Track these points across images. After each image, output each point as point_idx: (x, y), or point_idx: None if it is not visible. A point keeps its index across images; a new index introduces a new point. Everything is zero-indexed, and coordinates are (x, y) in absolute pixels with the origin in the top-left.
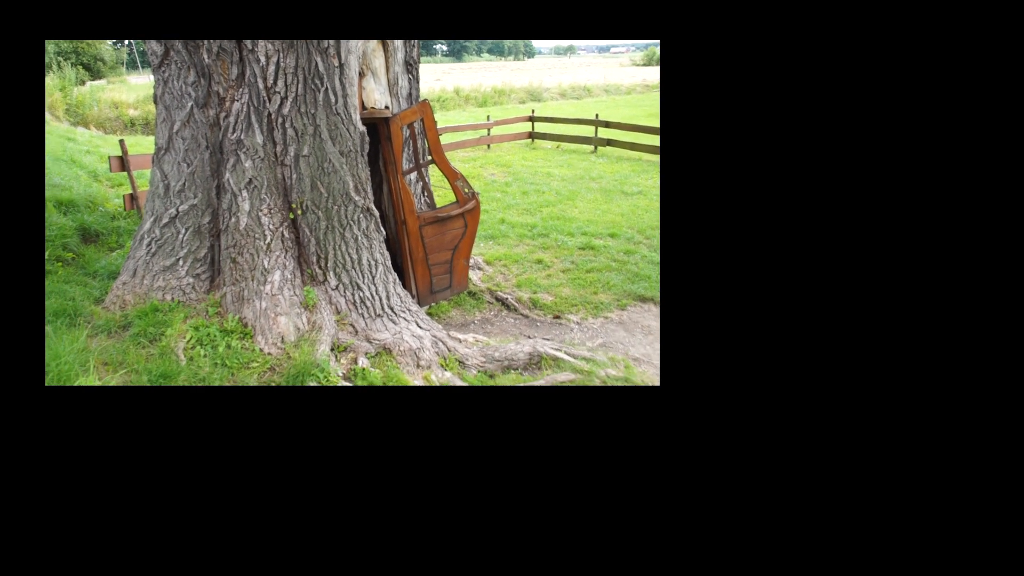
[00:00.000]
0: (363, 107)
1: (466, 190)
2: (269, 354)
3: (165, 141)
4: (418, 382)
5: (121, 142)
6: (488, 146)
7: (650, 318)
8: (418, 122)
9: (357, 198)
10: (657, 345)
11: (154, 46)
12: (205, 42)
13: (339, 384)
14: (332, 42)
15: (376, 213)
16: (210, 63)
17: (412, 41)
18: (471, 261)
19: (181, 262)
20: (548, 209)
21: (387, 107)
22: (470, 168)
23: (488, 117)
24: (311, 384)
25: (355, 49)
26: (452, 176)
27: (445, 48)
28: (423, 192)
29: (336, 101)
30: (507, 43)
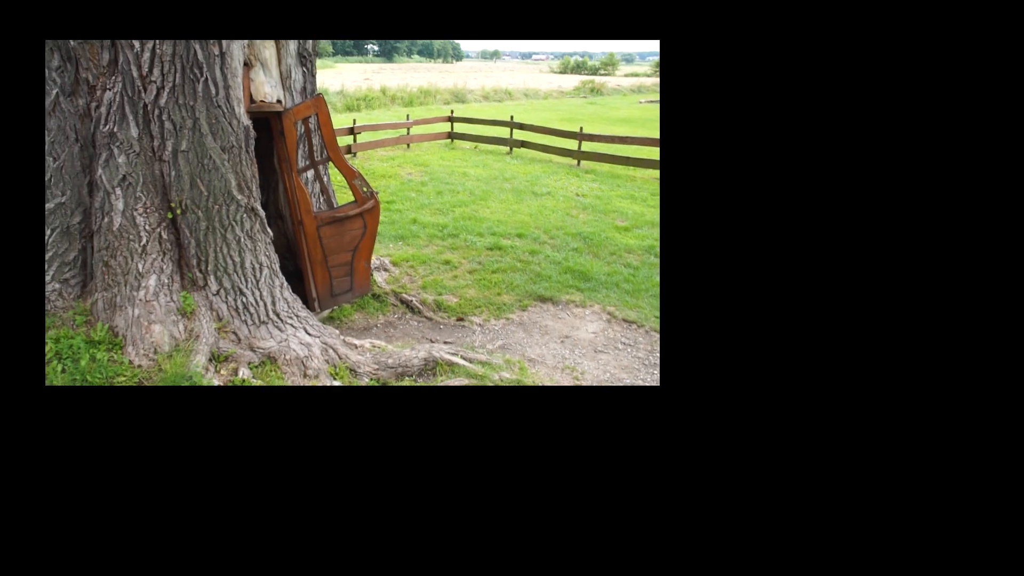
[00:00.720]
0: (251, 100)
1: (364, 189)
2: (139, 366)
3: None
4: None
5: None
6: (408, 145)
7: (548, 318)
8: (313, 118)
9: (240, 197)
10: (553, 346)
11: None
12: None
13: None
14: None
15: (261, 213)
16: (76, 46)
17: None
18: (377, 262)
19: (47, 266)
20: (461, 209)
21: (279, 101)
22: (387, 167)
23: (408, 116)
24: None
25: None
26: (350, 175)
27: (376, 48)
28: (321, 192)
29: (217, 93)
30: (436, 45)
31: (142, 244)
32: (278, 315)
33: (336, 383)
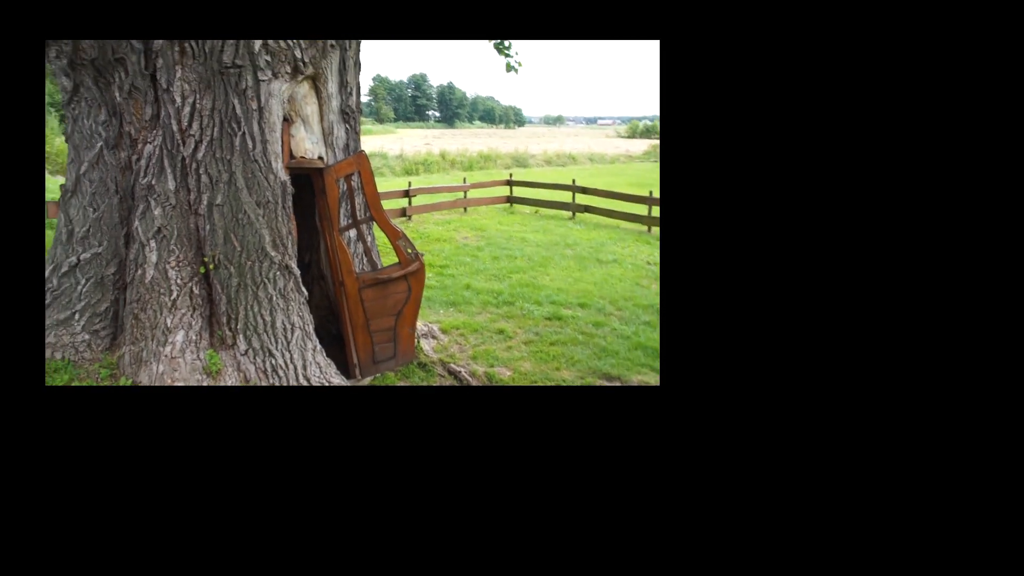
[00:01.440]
0: (291, 156)
1: (409, 250)
2: None
3: (72, 184)
4: None
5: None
6: (464, 209)
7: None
8: (356, 176)
9: (274, 254)
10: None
11: (64, 81)
12: (116, 78)
13: None
14: (250, 83)
15: (296, 272)
16: (122, 101)
17: (349, 88)
18: (425, 329)
19: (78, 316)
20: (518, 276)
21: (320, 158)
22: (442, 231)
23: (465, 180)
24: None
25: (277, 92)
26: (393, 235)
27: (438, 115)
28: (365, 253)
29: (253, 147)
30: (498, 111)
31: (172, 298)
32: (308, 380)
33: None
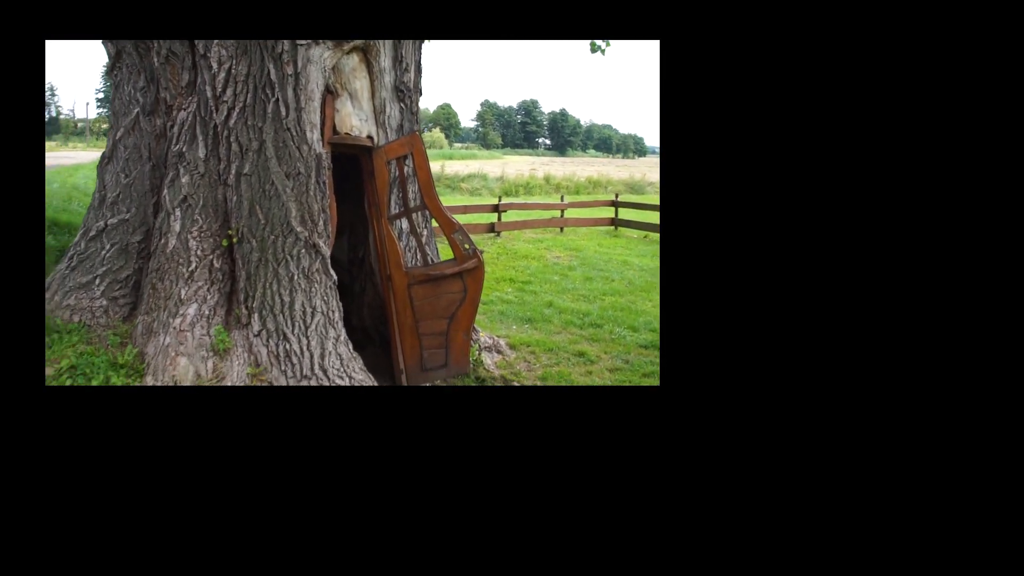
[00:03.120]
0: (335, 132)
1: (466, 246)
2: None
3: (109, 149)
4: None
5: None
6: (561, 229)
7: None
8: (410, 160)
9: (300, 229)
10: None
11: (107, 47)
12: (155, 43)
13: None
14: (287, 47)
15: (325, 253)
16: (159, 67)
17: (405, 64)
18: (489, 341)
19: (98, 281)
20: (612, 299)
21: (370, 137)
22: (532, 248)
23: (563, 197)
24: None
25: (316, 59)
26: (449, 227)
27: (548, 142)
28: (418, 248)
29: (287, 114)
30: (615, 140)
31: (190, 269)
32: (325, 371)
33: None
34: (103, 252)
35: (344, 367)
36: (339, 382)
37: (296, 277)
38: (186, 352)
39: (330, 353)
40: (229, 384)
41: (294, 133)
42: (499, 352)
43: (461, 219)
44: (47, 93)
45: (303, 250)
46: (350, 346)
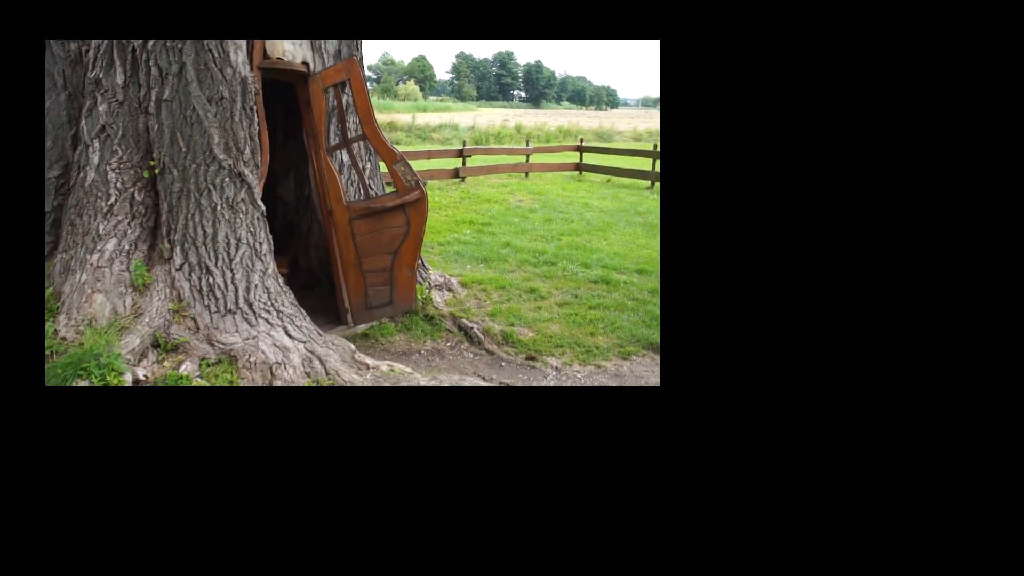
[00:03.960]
0: (265, 56)
1: (408, 178)
2: (62, 339)
3: None
4: None
5: None
6: (526, 175)
7: (655, 376)
8: (349, 88)
9: (223, 157)
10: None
11: None
12: None
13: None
14: None
15: (252, 182)
16: None
17: None
18: (440, 279)
19: None
20: (569, 238)
21: (305, 63)
22: (496, 192)
23: (527, 142)
24: (80, 384)
25: None
26: (390, 157)
27: (523, 94)
28: (360, 181)
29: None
30: (589, 92)
31: (109, 203)
32: (250, 305)
33: None
34: None
35: (272, 301)
36: (265, 316)
37: (219, 207)
38: (103, 288)
39: (256, 286)
40: (144, 319)
41: (216, 55)
42: (450, 290)
43: (425, 165)
44: None
45: (227, 179)
46: (280, 280)
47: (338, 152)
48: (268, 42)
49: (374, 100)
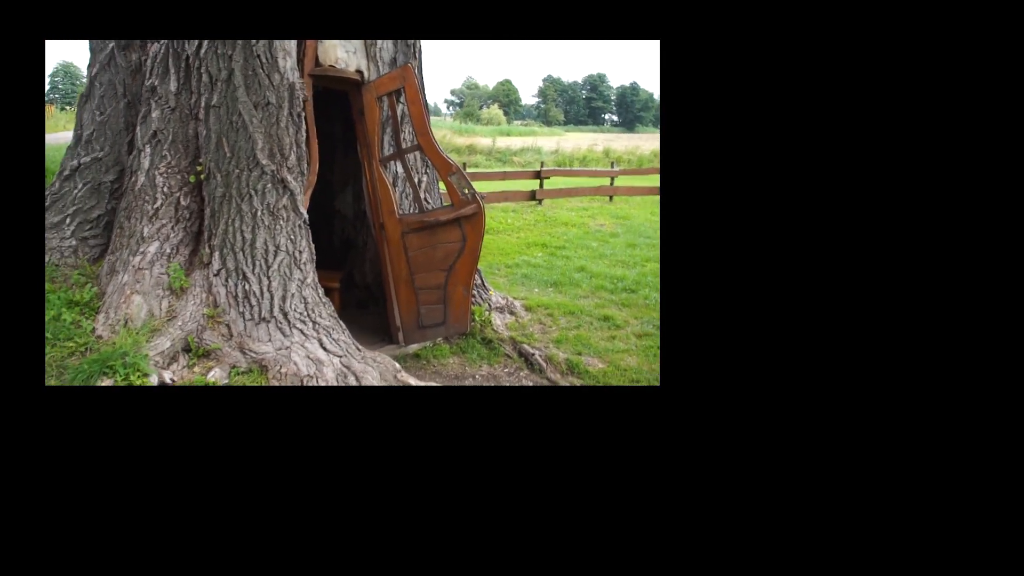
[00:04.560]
0: (316, 63)
1: (465, 190)
2: (98, 337)
3: (87, 87)
4: None
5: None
6: (610, 198)
7: None
8: (404, 97)
9: (266, 162)
10: None
11: None
12: None
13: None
14: None
15: (295, 189)
16: None
17: None
18: (502, 302)
19: (68, 220)
20: (655, 265)
21: (359, 71)
22: (575, 216)
23: (613, 164)
24: (104, 382)
25: None
26: (444, 168)
27: (616, 118)
28: (414, 193)
29: (257, 40)
30: None
31: (155, 207)
32: (285, 314)
33: None
34: (75, 191)
35: (309, 311)
36: (300, 327)
37: (260, 213)
38: (142, 290)
39: (293, 295)
40: (176, 322)
41: (264, 60)
42: (512, 313)
43: (500, 186)
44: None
45: (269, 185)
46: (320, 291)
47: (392, 164)
48: (320, 49)
49: (456, 124)
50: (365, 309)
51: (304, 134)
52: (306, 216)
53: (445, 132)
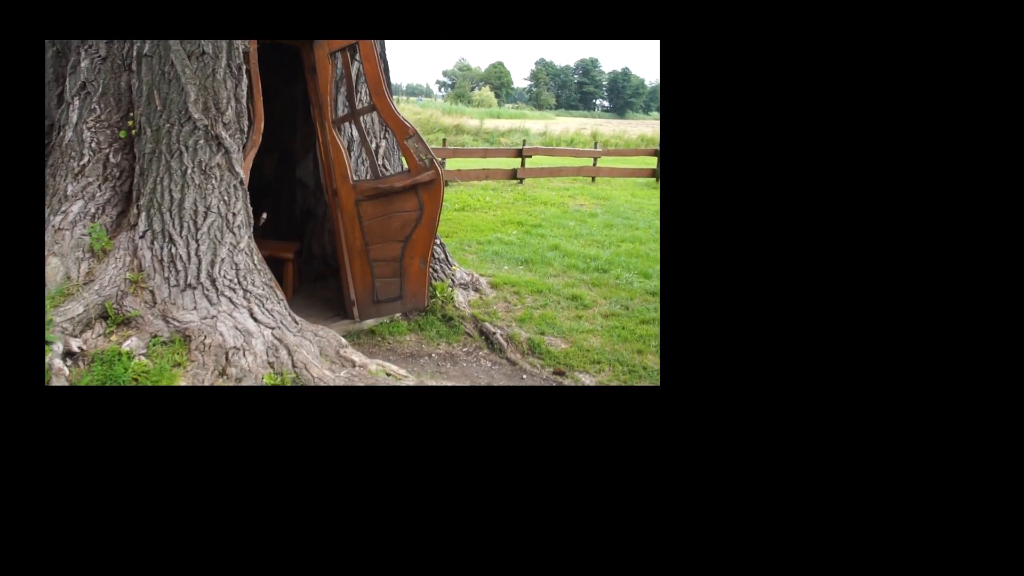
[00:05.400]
0: None
1: (422, 156)
2: None
3: None
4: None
5: None
6: (593, 179)
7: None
8: (358, 55)
9: (197, 116)
10: None
11: None
12: None
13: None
14: None
15: (230, 146)
16: None
17: None
18: (467, 278)
19: None
20: (630, 246)
21: None
22: (555, 195)
23: (596, 145)
24: None
25: None
26: (401, 131)
27: (607, 104)
28: (369, 158)
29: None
30: None
31: (81, 164)
32: (213, 281)
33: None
34: None
35: (240, 278)
36: (229, 295)
37: (190, 171)
38: (60, 252)
39: (223, 261)
40: (93, 287)
41: None
42: (476, 291)
43: (480, 163)
44: None
45: (201, 141)
46: (255, 257)
47: (348, 127)
48: None
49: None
50: (324, 282)
51: (245, 89)
52: (243, 177)
53: (433, 112)
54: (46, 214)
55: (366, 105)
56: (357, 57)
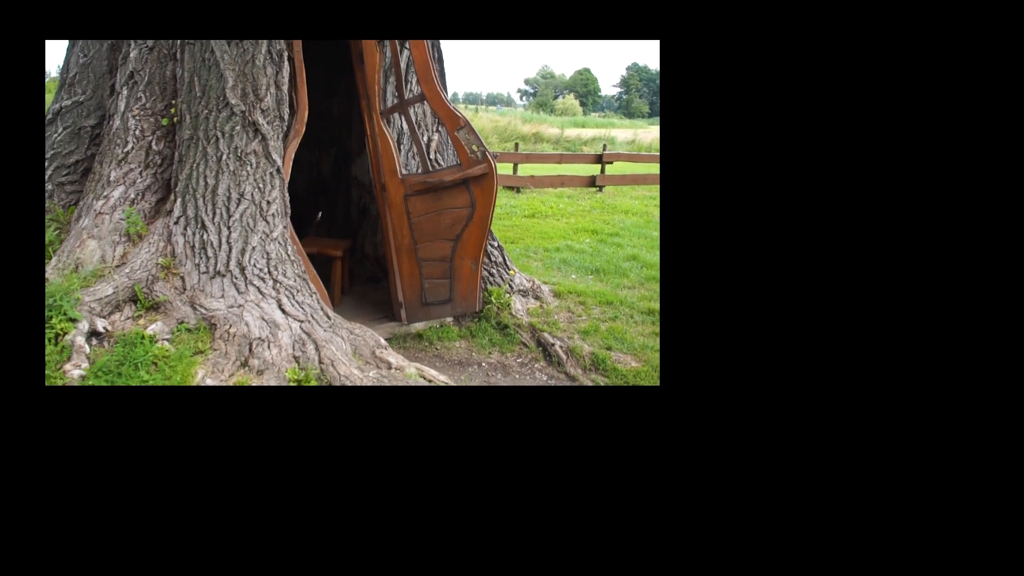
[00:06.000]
0: None
1: (474, 148)
2: (47, 281)
3: None
4: (211, 382)
5: None
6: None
7: None
8: (407, 42)
9: (235, 102)
10: None
11: None
12: None
13: (66, 344)
14: None
15: (267, 134)
16: None
17: None
18: (527, 284)
19: (46, 164)
20: None
21: None
22: (639, 205)
23: (605, 147)
24: None
25: None
26: (451, 121)
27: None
28: (419, 152)
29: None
30: None
31: (125, 150)
32: (242, 269)
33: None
34: (55, 136)
35: (271, 268)
36: (257, 284)
37: (225, 157)
38: (98, 235)
39: (254, 249)
40: (123, 270)
41: None
42: (537, 298)
43: (557, 170)
44: None
45: (238, 127)
46: (289, 248)
47: (398, 119)
48: None
49: (527, 113)
50: (376, 284)
51: (287, 76)
52: (280, 165)
53: (511, 119)
54: (90, 199)
55: (416, 95)
56: (406, 44)
